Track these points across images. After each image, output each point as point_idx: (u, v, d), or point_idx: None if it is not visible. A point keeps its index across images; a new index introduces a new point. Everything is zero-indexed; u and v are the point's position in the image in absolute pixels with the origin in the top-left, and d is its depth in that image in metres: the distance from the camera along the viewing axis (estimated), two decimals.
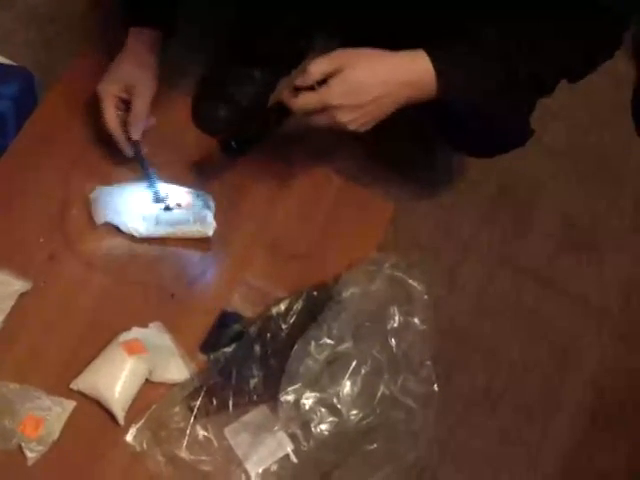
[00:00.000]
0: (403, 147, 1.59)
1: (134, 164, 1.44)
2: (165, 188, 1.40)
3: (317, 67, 1.11)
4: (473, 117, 1.30)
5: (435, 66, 1.11)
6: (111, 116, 1.36)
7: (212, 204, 1.41)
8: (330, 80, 1.11)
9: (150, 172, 1.41)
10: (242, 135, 1.32)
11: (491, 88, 1.17)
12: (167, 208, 1.38)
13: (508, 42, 1.12)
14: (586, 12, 1.10)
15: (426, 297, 1.37)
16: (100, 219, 1.36)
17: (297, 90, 1.15)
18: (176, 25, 1.40)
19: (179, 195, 1.40)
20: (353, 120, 1.14)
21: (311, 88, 1.12)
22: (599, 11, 1.10)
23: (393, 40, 1.14)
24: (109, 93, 1.35)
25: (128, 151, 1.39)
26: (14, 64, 1.50)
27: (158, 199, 1.39)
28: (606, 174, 1.81)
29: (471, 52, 1.13)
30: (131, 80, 1.34)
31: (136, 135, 1.37)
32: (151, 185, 1.40)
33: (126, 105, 1.36)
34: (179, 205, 1.38)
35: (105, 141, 1.43)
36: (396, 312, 1.33)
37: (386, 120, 1.18)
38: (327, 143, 1.48)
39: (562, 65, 1.18)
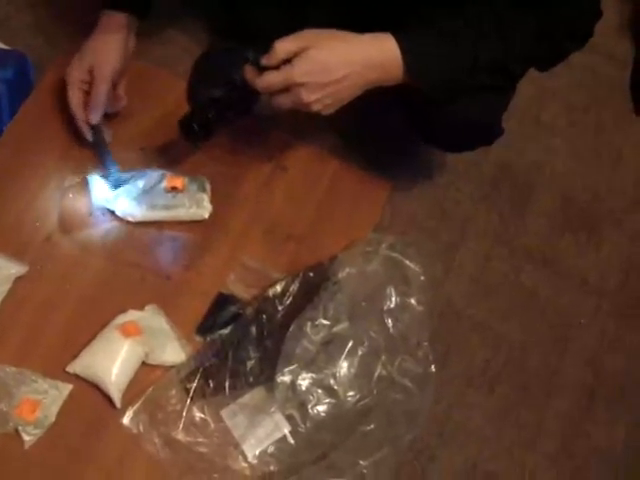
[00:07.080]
0: (399, 127, 1.58)
1: (130, 148, 1.44)
2: (160, 171, 1.40)
3: (282, 46, 1.10)
4: (439, 104, 1.27)
5: (401, 48, 1.10)
6: (73, 99, 1.35)
7: (208, 187, 1.40)
8: (295, 59, 1.10)
9: (107, 158, 1.40)
10: (204, 117, 1.29)
11: (457, 73, 1.16)
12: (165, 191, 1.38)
13: (475, 28, 1.11)
14: (556, 3, 1.10)
15: (423, 278, 1.36)
16: (96, 203, 1.37)
17: (262, 70, 1.13)
18: (149, 8, 1.40)
19: (174, 179, 1.39)
20: (317, 100, 1.12)
21: (276, 68, 1.11)
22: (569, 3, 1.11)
23: (385, 21, 1.13)
24: (73, 76, 1.34)
25: (88, 135, 1.38)
26: (9, 48, 1.50)
27: (117, 185, 1.38)
28: (605, 154, 1.81)
29: (438, 36, 1.12)
30: (93, 63, 1.33)
31: (94, 119, 1.35)
32: (109, 171, 1.39)
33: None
34: (174, 189, 1.37)
35: None
36: (393, 293, 1.33)
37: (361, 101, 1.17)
38: (323, 125, 1.47)
39: (530, 52, 1.17)
